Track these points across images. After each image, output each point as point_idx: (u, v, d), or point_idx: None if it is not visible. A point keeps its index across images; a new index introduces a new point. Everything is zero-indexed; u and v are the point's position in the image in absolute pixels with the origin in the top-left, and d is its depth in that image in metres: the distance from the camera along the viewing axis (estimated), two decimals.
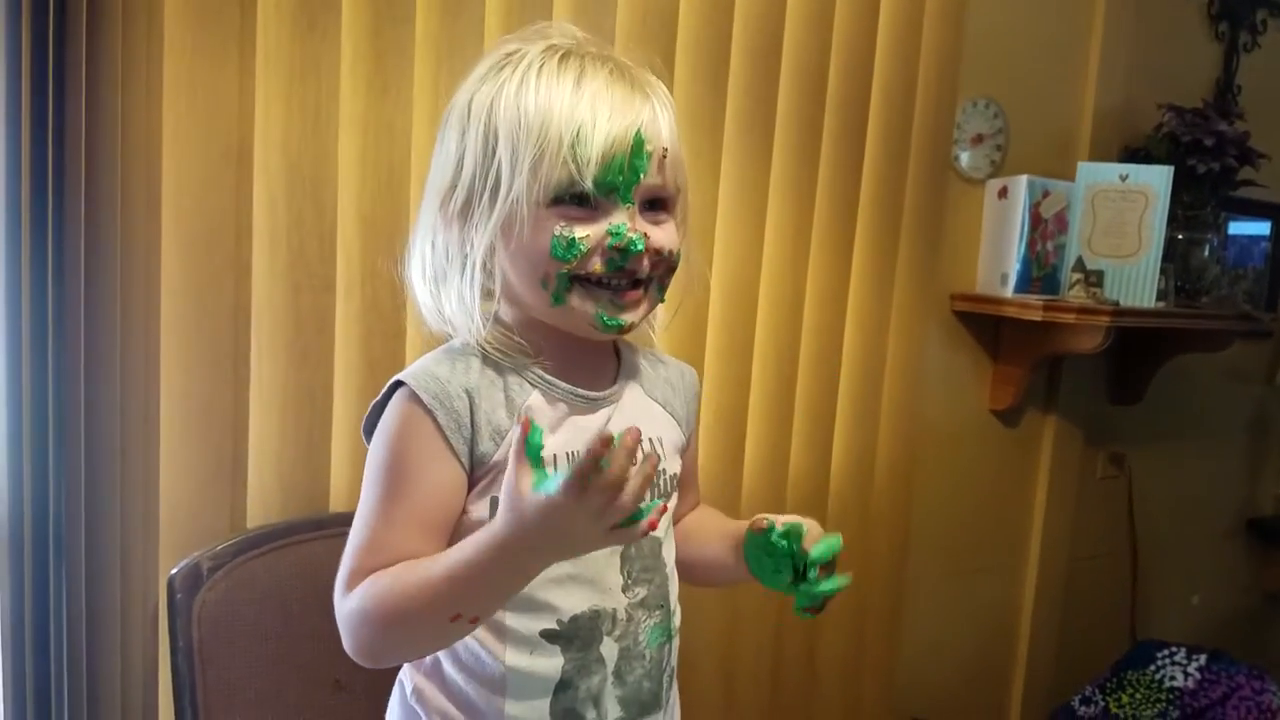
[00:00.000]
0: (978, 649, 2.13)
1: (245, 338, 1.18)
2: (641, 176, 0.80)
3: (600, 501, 0.67)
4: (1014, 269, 1.85)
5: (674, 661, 0.93)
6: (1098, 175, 1.85)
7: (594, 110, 0.78)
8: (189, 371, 1.16)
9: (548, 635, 0.83)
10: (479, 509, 0.82)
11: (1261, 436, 2.60)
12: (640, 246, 0.81)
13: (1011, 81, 1.90)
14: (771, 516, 0.89)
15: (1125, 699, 2.06)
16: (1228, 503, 2.58)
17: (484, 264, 0.84)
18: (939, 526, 2.00)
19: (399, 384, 0.84)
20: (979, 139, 1.89)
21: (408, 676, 0.93)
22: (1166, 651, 2.11)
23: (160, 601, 1.14)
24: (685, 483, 1.00)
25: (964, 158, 1.89)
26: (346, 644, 0.80)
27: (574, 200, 0.79)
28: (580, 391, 0.87)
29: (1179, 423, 2.37)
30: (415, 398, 0.81)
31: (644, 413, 0.91)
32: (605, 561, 0.86)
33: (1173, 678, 2.05)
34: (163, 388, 1.15)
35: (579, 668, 0.84)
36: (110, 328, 1.12)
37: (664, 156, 0.82)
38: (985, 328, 1.97)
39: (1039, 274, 1.88)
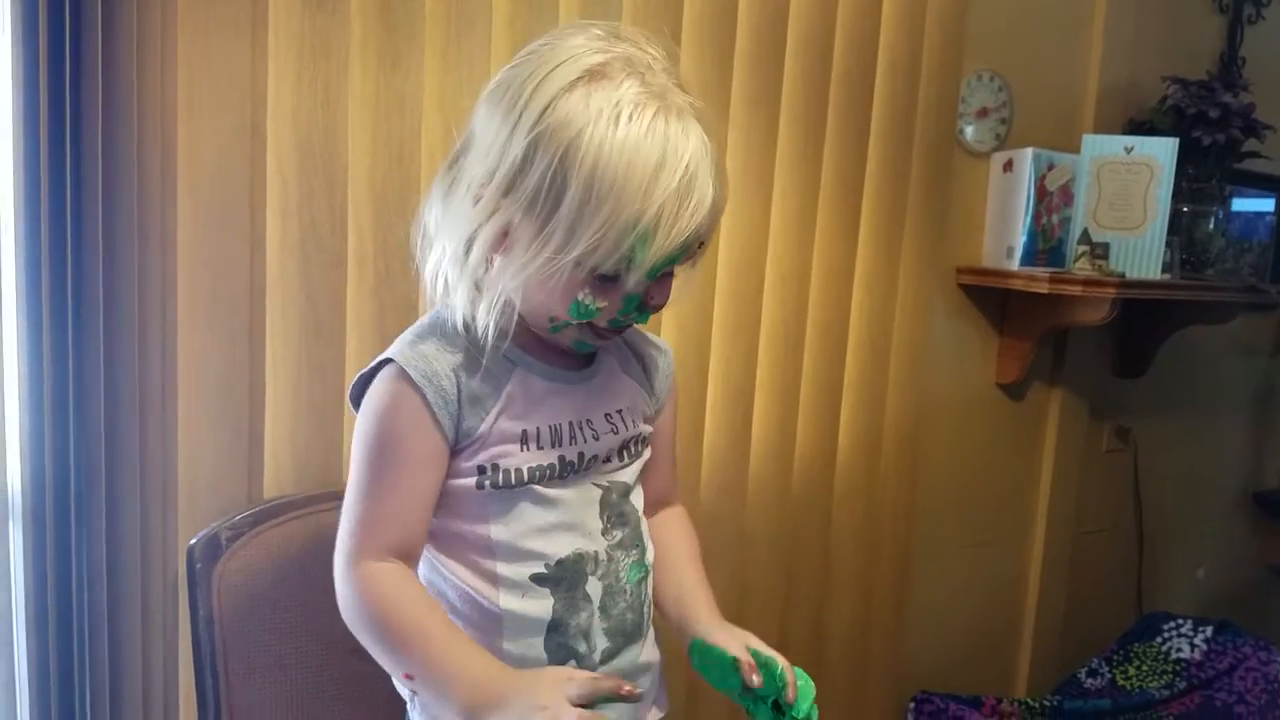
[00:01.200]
0: (984, 621, 2.15)
1: (260, 311, 1.20)
2: (674, 266, 0.85)
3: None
4: (1020, 242, 1.86)
5: (650, 594, 1.00)
6: (1103, 148, 1.85)
7: (662, 216, 0.77)
8: (205, 344, 1.17)
9: (537, 579, 0.90)
10: (463, 477, 0.88)
11: (1267, 410, 2.61)
12: (646, 319, 0.89)
13: (1016, 55, 1.91)
14: (733, 648, 0.93)
15: (1132, 671, 2.08)
16: (1233, 476, 2.59)
17: (486, 262, 0.85)
18: (945, 499, 2.01)
19: (387, 361, 0.87)
20: (984, 112, 1.90)
21: None
22: (1173, 624, 2.12)
23: (180, 571, 1.16)
24: (658, 459, 1.04)
25: (969, 131, 1.89)
26: (342, 613, 0.87)
27: (606, 277, 0.82)
28: (561, 373, 0.92)
29: (1184, 396, 2.38)
30: (405, 376, 0.84)
31: (617, 387, 0.97)
32: (586, 509, 0.92)
33: (1179, 649, 2.07)
34: (180, 361, 1.16)
35: (568, 606, 0.90)
36: (128, 301, 1.13)
37: (700, 245, 0.84)
38: (991, 301, 1.98)
39: (1045, 247, 1.88)
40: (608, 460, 0.94)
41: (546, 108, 0.77)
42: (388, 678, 1.19)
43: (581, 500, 0.92)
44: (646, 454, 0.99)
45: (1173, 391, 2.34)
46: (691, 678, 1.59)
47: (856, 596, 1.81)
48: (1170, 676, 2.01)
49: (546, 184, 0.77)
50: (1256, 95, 2.01)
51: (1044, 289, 1.79)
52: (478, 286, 0.84)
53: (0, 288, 1.10)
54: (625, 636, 0.93)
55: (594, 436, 0.92)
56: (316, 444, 1.24)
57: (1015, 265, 1.86)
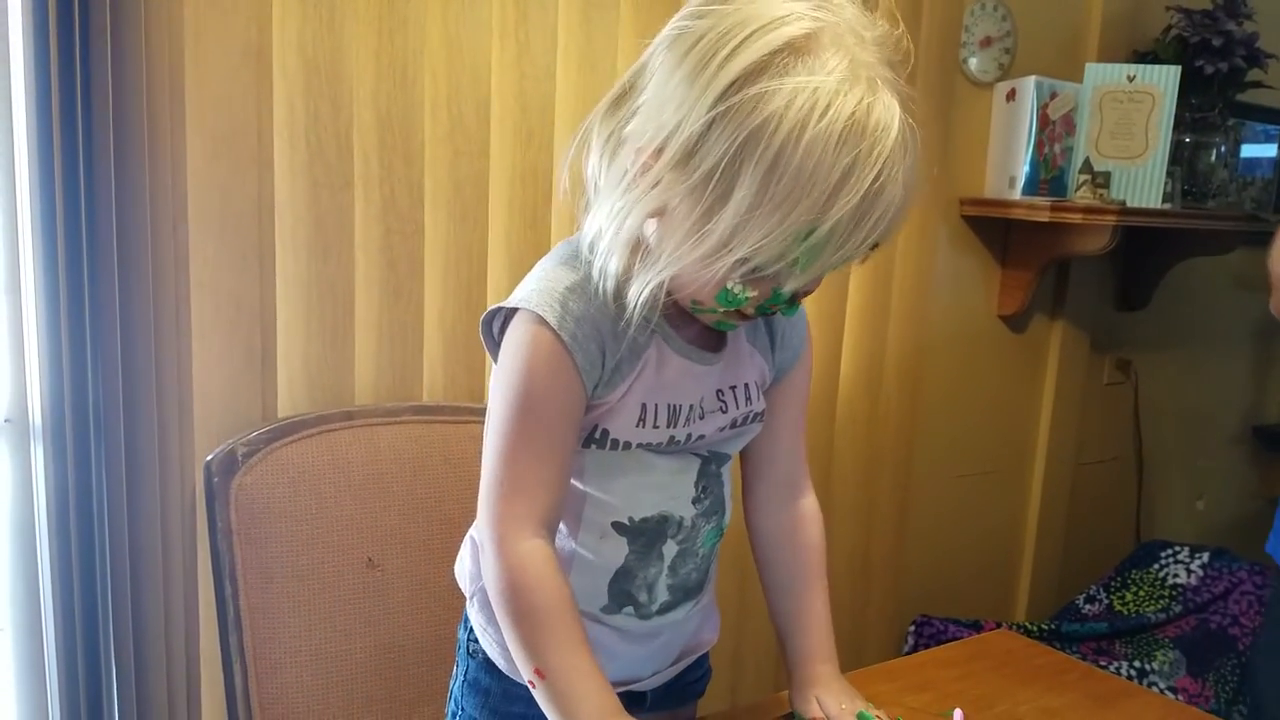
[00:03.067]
0: (984, 549, 2.19)
1: (269, 233, 1.22)
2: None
3: None
4: (1022, 171, 1.87)
5: (717, 555, 0.96)
6: (1105, 76, 1.86)
7: (837, 229, 0.69)
8: (217, 266, 1.20)
9: (617, 527, 0.87)
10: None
11: (1267, 344, 2.62)
12: (795, 311, 0.84)
13: None
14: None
15: (1129, 596, 2.12)
16: (1233, 409, 2.62)
17: (643, 239, 0.77)
18: (946, 429, 2.04)
19: (528, 311, 0.79)
20: (987, 41, 1.89)
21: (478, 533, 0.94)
22: (1170, 551, 2.16)
23: (198, 486, 1.19)
24: (780, 435, 0.95)
25: (972, 62, 1.89)
26: (486, 584, 0.81)
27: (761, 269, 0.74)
28: (696, 351, 0.85)
29: (1185, 330, 2.39)
30: (559, 338, 0.77)
31: (741, 363, 0.90)
32: (682, 476, 0.88)
33: (1176, 575, 2.10)
34: (192, 281, 1.19)
35: (640, 559, 0.88)
36: (140, 223, 1.15)
37: (875, 247, 0.75)
38: (994, 232, 1.99)
39: (1047, 176, 1.89)
40: (713, 436, 0.89)
41: (735, 81, 0.67)
42: (399, 584, 1.23)
43: (680, 467, 0.87)
44: (756, 428, 0.92)
45: (1174, 325, 2.35)
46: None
47: (858, 522, 1.84)
48: (1167, 601, 2.05)
49: (719, 173, 0.68)
50: (1260, 24, 2.00)
51: (1045, 217, 1.80)
52: (632, 261, 0.76)
53: (17, 216, 1.12)
54: (685, 593, 0.92)
55: (700, 416, 0.86)
56: (328, 364, 1.27)
57: (1017, 195, 1.87)
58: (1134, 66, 1.85)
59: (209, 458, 1.16)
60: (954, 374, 2.03)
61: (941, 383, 2.00)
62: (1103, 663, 1.88)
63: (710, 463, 0.89)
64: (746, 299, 0.76)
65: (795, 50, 0.68)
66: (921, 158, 0.73)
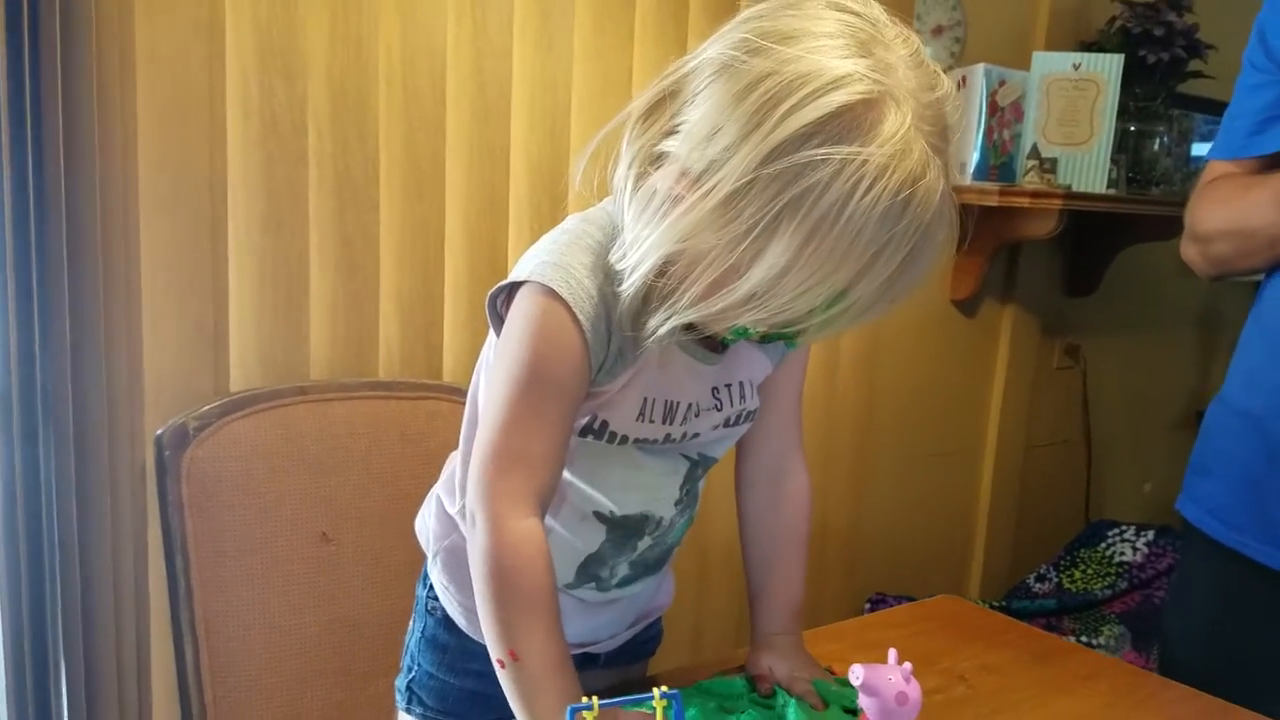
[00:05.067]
0: (937, 530, 2.23)
1: (222, 208, 1.22)
2: None
3: None
4: (972, 157, 1.90)
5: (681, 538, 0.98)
6: (1052, 65, 1.90)
7: (856, 303, 0.69)
8: (168, 241, 1.19)
9: (598, 515, 0.87)
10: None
11: (1211, 331, 2.69)
12: (796, 346, 0.84)
13: None
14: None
15: (1077, 575, 2.17)
16: (1178, 394, 2.68)
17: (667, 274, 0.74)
18: (899, 413, 2.07)
19: (550, 289, 0.77)
20: (939, 30, 1.93)
21: (445, 493, 0.94)
22: (1117, 530, 2.21)
23: (148, 460, 1.19)
24: (775, 418, 0.95)
25: (925, 51, 1.92)
26: (470, 554, 0.79)
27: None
28: (702, 351, 0.85)
29: (1132, 315, 2.45)
30: (571, 312, 0.76)
31: (742, 360, 0.89)
32: (669, 479, 0.89)
33: (1122, 553, 2.16)
34: (143, 257, 1.18)
35: (615, 549, 0.89)
36: (90, 200, 1.14)
37: None
38: None
39: (996, 162, 1.93)
40: (706, 435, 0.89)
41: (786, 141, 0.65)
42: (353, 559, 1.24)
43: (668, 469, 0.88)
44: (745, 429, 0.92)
45: (1121, 311, 2.41)
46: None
47: (815, 503, 1.86)
48: (1113, 578, 2.10)
49: (756, 231, 0.67)
50: (1200, 16, 2.06)
51: (994, 201, 1.84)
52: (654, 284, 0.74)
53: None
54: (645, 569, 0.93)
55: (696, 414, 0.86)
56: (281, 339, 1.27)
57: (968, 180, 1.91)
58: (1079, 55, 1.90)
59: (159, 431, 1.16)
60: (908, 357, 2.06)
61: (896, 365, 2.03)
62: None
63: (698, 466, 0.90)
64: (756, 333, 0.75)
65: (852, 117, 0.65)
66: (952, 225, 0.71)
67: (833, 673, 0.93)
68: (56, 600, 1.18)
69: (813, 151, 0.64)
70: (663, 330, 0.74)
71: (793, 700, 0.87)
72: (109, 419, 1.19)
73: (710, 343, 0.84)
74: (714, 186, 0.67)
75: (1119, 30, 2.04)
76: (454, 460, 0.93)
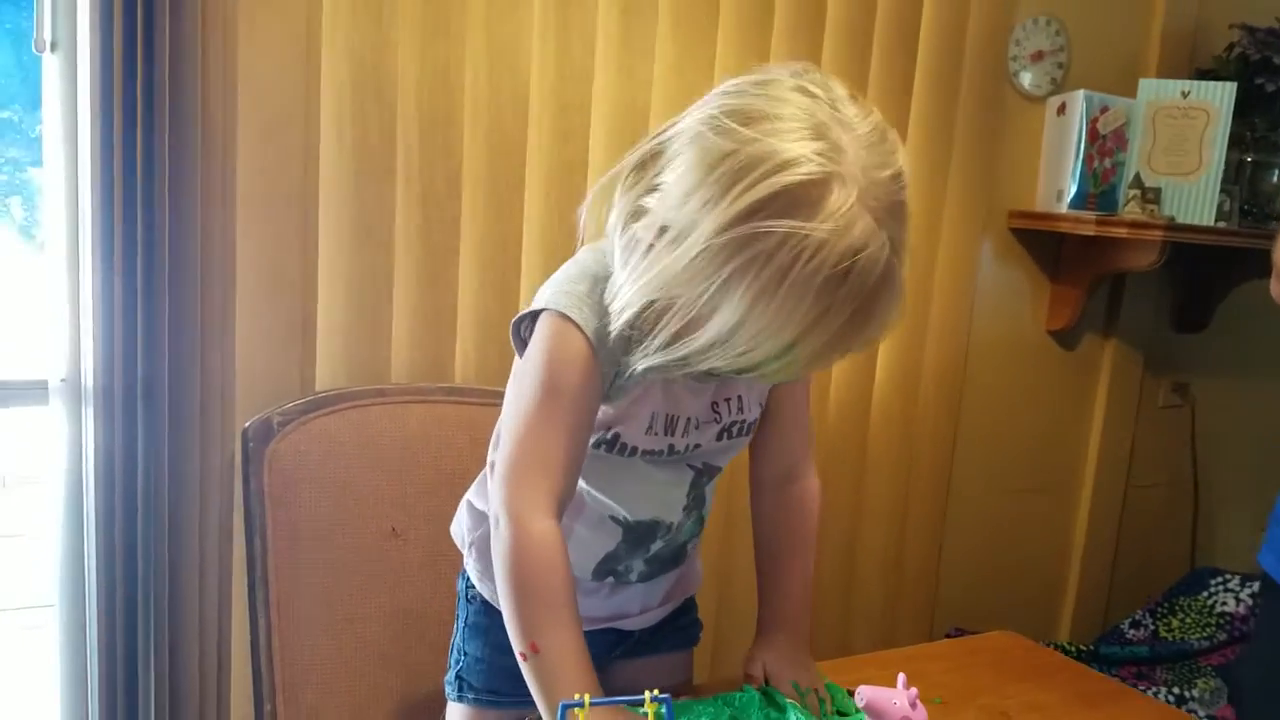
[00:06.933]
0: (1027, 567, 2.16)
1: (314, 216, 1.30)
2: None
3: None
4: (1069, 185, 1.85)
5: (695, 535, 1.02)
6: (1159, 92, 1.84)
7: (798, 361, 0.76)
8: (263, 246, 1.28)
9: (614, 520, 0.95)
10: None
11: None
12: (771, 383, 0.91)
13: None
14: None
15: (1175, 623, 2.07)
16: None
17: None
18: (992, 442, 2.02)
19: (565, 315, 0.84)
20: (1039, 55, 1.89)
21: (475, 496, 1.02)
22: (1220, 578, 2.10)
23: (236, 449, 1.27)
24: (782, 425, 1.00)
25: (1025, 76, 1.89)
26: (494, 556, 0.85)
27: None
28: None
29: (1247, 354, 2.33)
30: (584, 334, 0.83)
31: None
32: (676, 488, 0.96)
33: (1224, 603, 2.05)
34: (238, 260, 1.27)
35: (630, 550, 0.97)
36: (192, 203, 1.24)
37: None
38: (1044, 246, 1.98)
39: (1096, 190, 1.88)
40: (708, 445, 0.94)
41: (737, 215, 0.71)
42: (418, 554, 1.29)
43: (674, 479, 0.95)
44: (745, 441, 0.97)
45: (1235, 349, 2.29)
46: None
47: (890, 525, 1.85)
48: (1213, 629, 2.00)
49: (710, 292, 0.73)
50: None
51: (1090, 230, 1.79)
52: (633, 332, 0.81)
53: (78, 196, 1.21)
54: (661, 565, 1.00)
55: (696, 426, 0.92)
56: (365, 343, 1.34)
57: (1064, 208, 1.86)
58: (1188, 83, 1.83)
59: (247, 425, 1.24)
60: (1000, 385, 2.02)
61: (985, 388, 1.99)
62: (1141, 687, 1.84)
63: (703, 475, 0.97)
64: (727, 373, 0.81)
65: (798, 195, 0.71)
66: (900, 291, 0.76)
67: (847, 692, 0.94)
68: (150, 577, 1.27)
69: (759, 224, 0.70)
70: (638, 370, 0.80)
71: (793, 706, 0.89)
72: (202, 410, 1.28)
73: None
74: (682, 246, 0.74)
75: (1238, 57, 1.96)
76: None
